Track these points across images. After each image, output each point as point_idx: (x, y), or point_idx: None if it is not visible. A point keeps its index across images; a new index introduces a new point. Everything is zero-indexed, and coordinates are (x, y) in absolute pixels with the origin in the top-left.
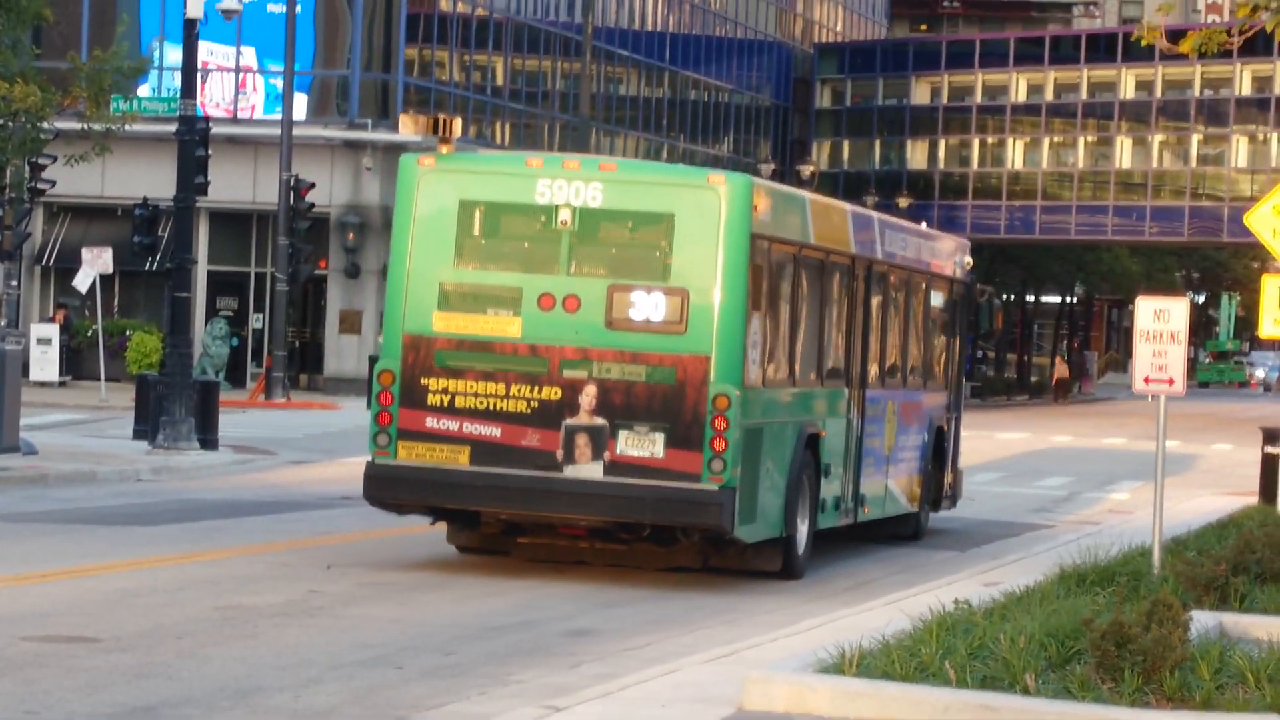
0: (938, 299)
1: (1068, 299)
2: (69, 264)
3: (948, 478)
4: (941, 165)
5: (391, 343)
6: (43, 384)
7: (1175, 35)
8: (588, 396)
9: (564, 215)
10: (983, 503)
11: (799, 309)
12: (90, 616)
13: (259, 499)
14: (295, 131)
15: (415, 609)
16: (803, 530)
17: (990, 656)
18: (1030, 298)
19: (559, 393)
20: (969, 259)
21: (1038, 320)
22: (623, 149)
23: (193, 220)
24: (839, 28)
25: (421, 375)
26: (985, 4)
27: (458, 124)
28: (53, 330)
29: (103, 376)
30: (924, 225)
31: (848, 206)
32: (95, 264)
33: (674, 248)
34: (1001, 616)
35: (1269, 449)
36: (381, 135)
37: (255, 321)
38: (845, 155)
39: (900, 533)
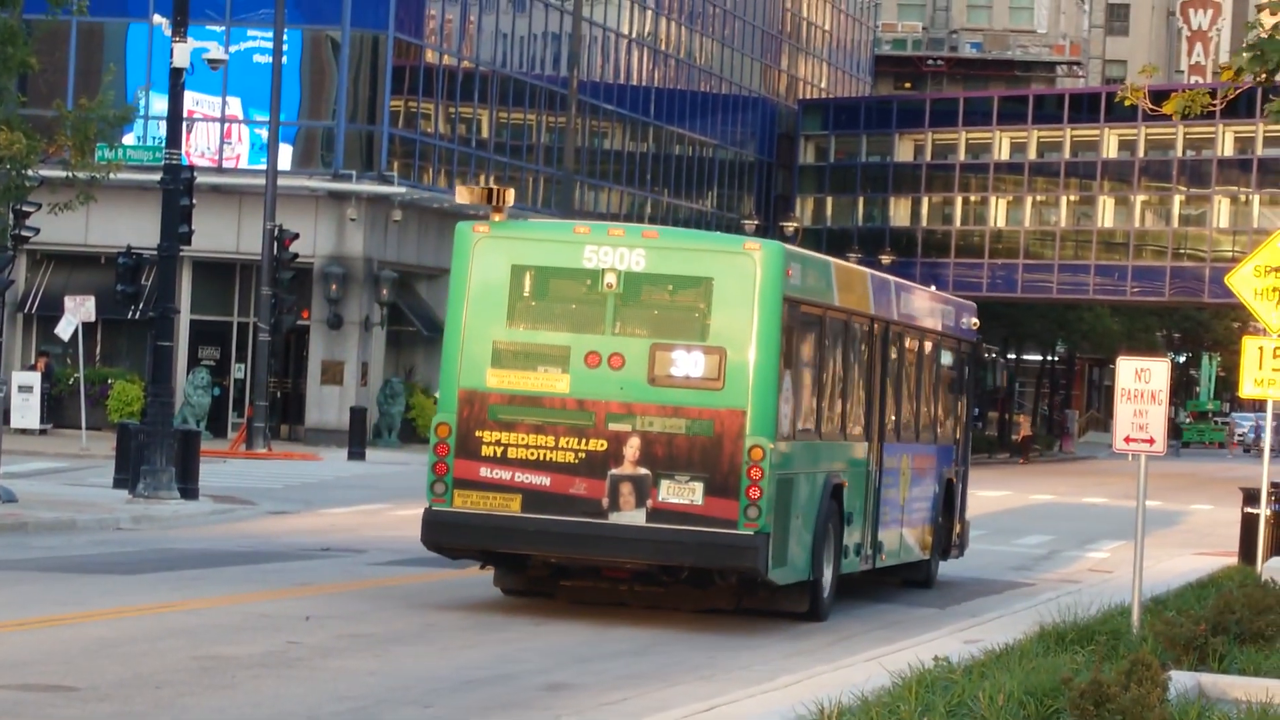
0: (947, 358)
1: (1049, 358)
2: (52, 312)
3: (956, 527)
4: (924, 223)
5: (448, 397)
6: (24, 431)
7: (1159, 97)
8: (631, 448)
9: (609, 279)
10: (964, 560)
11: (825, 367)
12: (68, 665)
13: (239, 549)
14: (280, 182)
15: (393, 661)
16: (828, 574)
17: (969, 714)
18: (1012, 356)
19: (604, 444)
20: (975, 320)
21: (1019, 379)
22: (606, 203)
23: (176, 269)
24: (823, 84)
25: (476, 428)
26: (969, 63)
27: (510, 194)
28: (34, 378)
29: (84, 425)
30: (933, 288)
31: (868, 271)
32: (78, 312)
33: (712, 309)
34: (981, 674)
35: (1249, 509)
36: (366, 186)
37: (237, 371)
38: (829, 211)
39: (913, 579)
